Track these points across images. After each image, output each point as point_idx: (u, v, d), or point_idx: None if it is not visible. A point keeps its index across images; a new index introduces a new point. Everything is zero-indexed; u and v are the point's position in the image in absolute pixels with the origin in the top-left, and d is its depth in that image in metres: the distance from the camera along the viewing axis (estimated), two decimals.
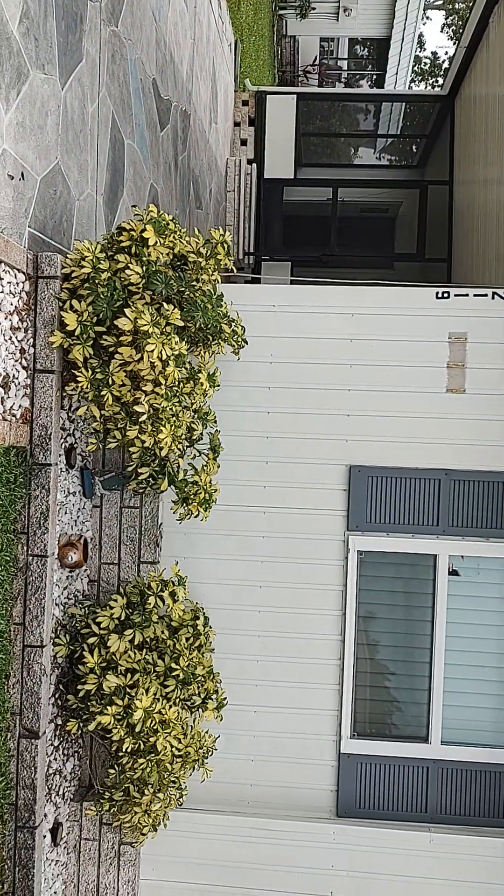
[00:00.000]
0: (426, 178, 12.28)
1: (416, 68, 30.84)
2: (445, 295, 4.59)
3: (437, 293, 4.59)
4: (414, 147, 13.45)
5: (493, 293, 4.57)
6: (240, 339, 4.35)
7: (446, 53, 32.49)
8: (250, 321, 4.57)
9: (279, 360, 4.68)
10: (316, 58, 19.92)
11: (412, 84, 30.55)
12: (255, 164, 10.66)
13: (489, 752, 4.61)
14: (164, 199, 6.56)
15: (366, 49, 26.11)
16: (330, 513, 4.68)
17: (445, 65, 31.04)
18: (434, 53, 32.36)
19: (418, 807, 4.65)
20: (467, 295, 4.59)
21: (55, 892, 4.37)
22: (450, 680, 4.66)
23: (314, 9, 17.90)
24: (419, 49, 30.39)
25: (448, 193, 10.87)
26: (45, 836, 4.09)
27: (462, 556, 4.65)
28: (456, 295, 4.59)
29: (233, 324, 4.25)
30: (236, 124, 10.96)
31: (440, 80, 31.15)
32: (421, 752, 4.65)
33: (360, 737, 4.69)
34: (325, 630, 4.68)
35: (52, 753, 4.14)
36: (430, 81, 32.37)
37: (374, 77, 23.13)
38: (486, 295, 4.57)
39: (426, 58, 32.30)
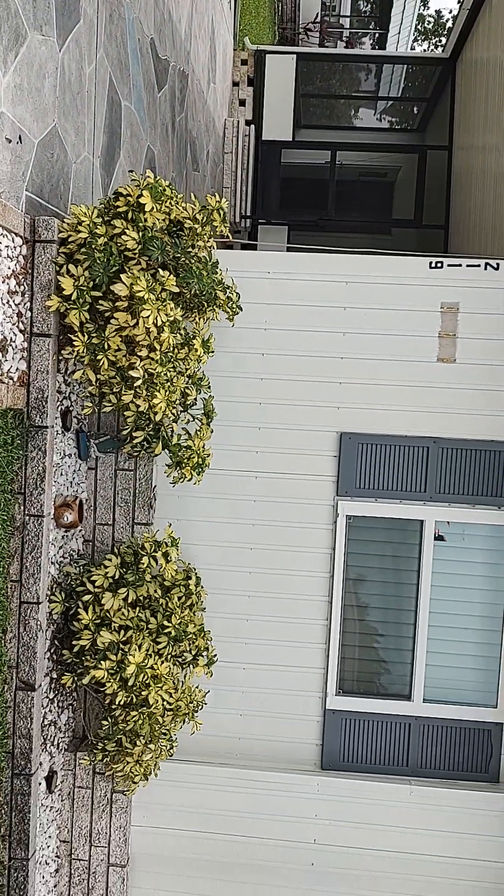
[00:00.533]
0: (426, 143, 12.17)
1: (419, 27, 30.23)
2: (439, 265, 4.63)
3: (431, 263, 4.64)
4: (415, 109, 13.29)
5: (486, 264, 4.62)
6: (234, 305, 4.40)
7: (450, 12, 31.82)
8: (245, 288, 4.62)
9: (273, 326, 4.74)
10: (317, 15, 19.49)
11: (415, 43, 29.98)
12: (253, 126, 10.54)
13: (468, 709, 4.79)
14: (160, 162, 6.53)
15: (368, 5, 25.57)
16: (320, 478, 4.78)
17: (449, 24, 30.43)
18: (438, 12, 31.64)
19: (400, 761, 4.84)
20: (460, 265, 4.63)
21: (49, 836, 4.56)
22: (433, 641, 4.82)
23: None
24: (423, 7, 29.74)
25: (447, 159, 10.79)
26: (40, 784, 4.26)
27: (448, 522, 4.77)
28: (449, 265, 4.64)
29: (228, 290, 4.30)
30: (235, 84, 10.82)
31: (443, 40, 30.54)
32: (403, 710, 4.83)
33: (345, 694, 4.85)
34: (314, 591, 4.81)
35: (47, 705, 4.29)
36: (434, 41, 31.74)
37: (377, 35, 22.69)
38: (479, 265, 4.62)
39: (430, 16, 31.62)
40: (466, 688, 4.85)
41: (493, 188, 8.47)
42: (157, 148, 6.39)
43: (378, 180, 13.16)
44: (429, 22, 31.18)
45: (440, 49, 30.57)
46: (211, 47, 8.80)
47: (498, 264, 4.60)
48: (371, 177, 13.10)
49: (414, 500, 4.75)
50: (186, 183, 7.80)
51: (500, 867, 4.68)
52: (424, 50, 32.11)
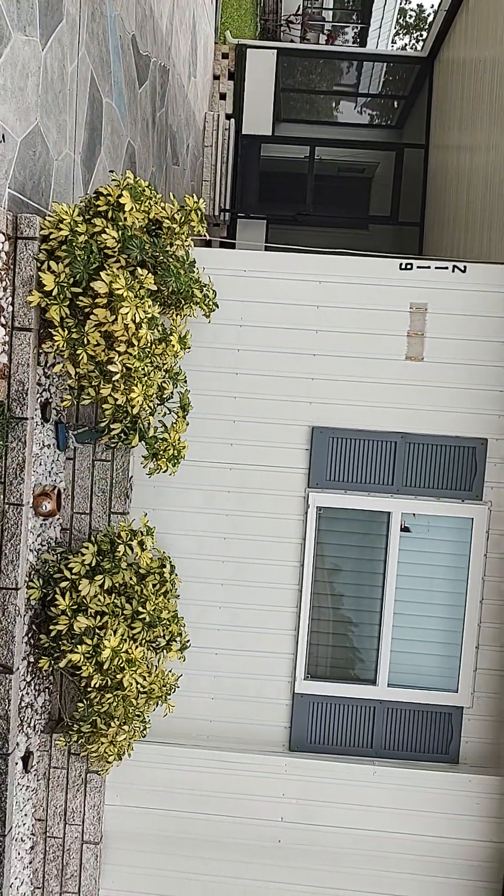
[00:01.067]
0: (403, 140, 12.36)
1: (400, 21, 30.32)
2: (408, 266, 4.80)
3: (401, 264, 4.80)
4: (395, 104, 13.44)
5: (454, 266, 4.80)
6: (211, 302, 4.53)
7: (432, 6, 31.96)
8: (222, 285, 4.76)
9: (248, 323, 4.89)
10: (299, 7, 19.55)
11: (396, 37, 30.08)
12: (233, 120, 10.64)
13: (431, 694, 5.00)
14: (140, 157, 6.63)
15: None
16: (292, 470, 4.95)
17: (430, 18, 30.59)
18: (420, 6, 31.77)
19: (365, 743, 5.04)
20: (429, 267, 4.81)
21: (26, 815, 4.71)
22: (398, 628, 5.02)
23: None
24: (404, 1, 29.81)
25: (423, 157, 10.97)
26: (17, 763, 4.40)
27: (414, 514, 4.97)
28: (418, 267, 4.81)
29: (204, 289, 4.43)
30: (216, 77, 10.89)
31: (424, 34, 30.68)
32: (369, 694, 5.03)
33: (313, 678, 5.04)
34: (284, 580, 4.99)
35: (24, 688, 4.43)
36: (415, 35, 31.86)
37: (358, 29, 22.77)
38: (447, 268, 4.80)
39: (411, 10, 31.73)
40: (429, 673, 5.06)
41: (466, 187, 8.66)
42: (138, 143, 6.48)
43: (356, 176, 13.32)
44: (410, 16, 31.29)
45: (421, 43, 30.70)
46: (192, 42, 8.87)
47: (465, 267, 4.78)
48: (349, 172, 13.25)
49: (382, 492, 4.94)
50: (166, 177, 7.89)
51: (458, 843, 4.91)
52: (406, 44, 32.23)
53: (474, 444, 4.86)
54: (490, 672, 4.96)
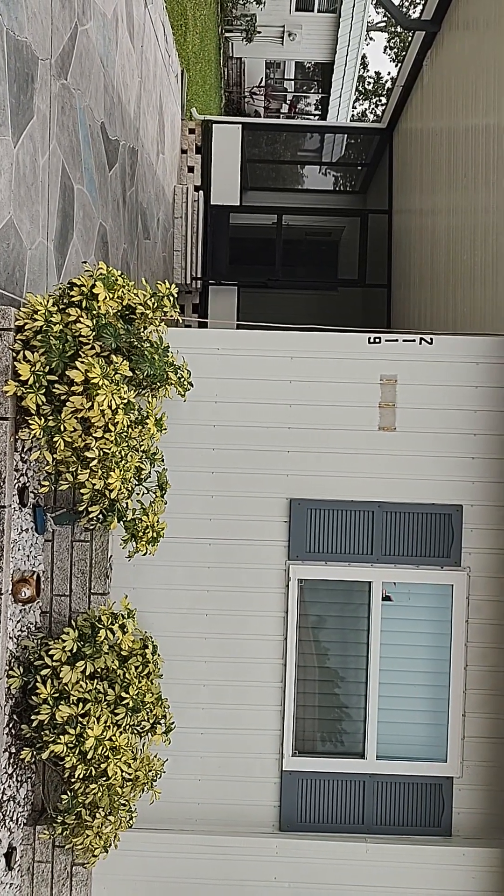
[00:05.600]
0: (367, 206, 12.76)
1: (360, 87, 31.60)
2: (377, 340, 4.93)
3: (370, 338, 4.93)
4: (358, 168, 13.92)
5: (421, 339, 4.94)
6: (186, 382, 4.60)
7: (388, 73, 33.37)
8: (196, 363, 4.84)
9: (223, 399, 4.96)
10: (262, 79, 20.34)
11: (356, 103, 31.29)
12: (201, 191, 10.94)
13: (419, 764, 4.95)
14: (112, 236, 6.78)
15: (311, 68, 26.70)
16: (272, 543, 4.97)
17: (388, 84, 31.89)
18: (377, 73, 33.17)
19: (356, 818, 4.96)
20: (397, 340, 4.94)
21: None
22: (384, 698, 4.99)
23: (259, 32, 18.32)
24: (362, 70, 31.13)
25: (387, 222, 11.34)
26: (0, 861, 4.27)
27: (394, 583, 4.99)
28: (387, 340, 4.94)
29: (179, 370, 4.51)
30: (183, 151, 11.24)
31: (384, 100, 31.97)
32: (358, 768, 4.96)
33: (300, 754, 4.98)
34: (268, 654, 4.96)
35: (6, 781, 4.32)
36: (374, 100, 33.18)
37: (319, 98, 23.68)
38: (414, 340, 4.93)
39: (370, 77, 33.11)
40: (417, 743, 5.02)
41: (430, 250, 8.95)
42: (109, 223, 6.64)
43: (323, 240, 13.69)
44: (369, 83, 32.63)
45: (381, 108, 31.93)
46: (160, 121, 9.18)
47: (431, 339, 4.92)
48: (317, 236, 13.63)
49: (362, 562, 4.96)
50: (138, 252, 8.07)
51: None
52: (366, 109, 33.51)
53: (450, 511, 4.92)
54: (478, 740, 4.93)
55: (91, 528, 4.58)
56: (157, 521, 4.34)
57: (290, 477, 4.97)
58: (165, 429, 4.45)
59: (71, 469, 4.06)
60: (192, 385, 4.70)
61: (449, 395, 4.92)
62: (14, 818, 4.49)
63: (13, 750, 4.35)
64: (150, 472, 4.43)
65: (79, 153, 5.58)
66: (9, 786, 4.37)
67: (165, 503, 4.52)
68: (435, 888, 4.81)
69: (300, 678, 4.98)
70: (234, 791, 4.94)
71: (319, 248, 13.64)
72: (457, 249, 7.50)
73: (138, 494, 4.49)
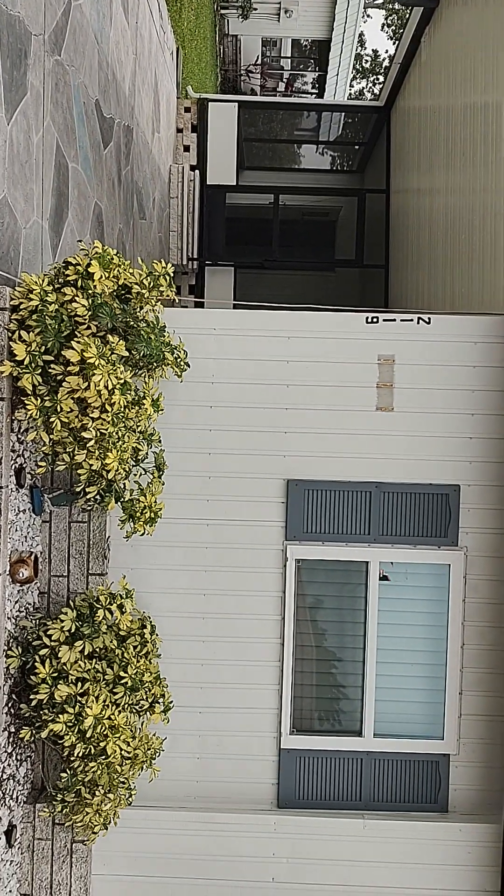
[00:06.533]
0: (364, 186, 12.67)
1: (357, 66, 31.25)
2: (374, 320, 4.91)
3: (367, 318, 4.91)
4: (356, 147, 13.80)
5: (419, 318, 4.91)
6: (182, 363, 4.58)
7: (386, 52, 33.00)
8: (193, 344, 4.81)
9: (220, 380, 4.94)
10: (258, 57, 20.11)
11: (354, 82, 30.96)
12: (197, 171, 10.84)
13: (417, 742, 4.99)
14: (108, 215, 6.73)
15: (308, 46, 26.39)
16: (269, 524, 4.97)
17: (386, 63, 31.55)
18: (375, 51, 32.82)
19: (353, 796, 5.00)
20: (395, 320, 4.92)
21: (10, 891, 4.59)
22: (381, 677, 5.02)
23: (255, 9, 18.08)
24: (360, 48, 30.78)
25: (385, 201, 11.26)
26: (0, 839, 4.30)
27: (391, 563, 5.00)
28: (384, 320, 4.92)
29: (175, 350, 4.49)
30: (179, 130, 11.12)
31: (381, 78, 31.64)
32: (355, 745, 5.00)
33: (298, 733, 5.01)
34: (266, 634, 4.98)
35: (6, 759, 4.35)
36: (371, 79, 32.84)
37: (316, 76, 23.43)
38: (411, 320, 4.91)
39: (367, 56, 32.75)
40: (414, 721, 5.06)
41: (427, 229, 8.89)
42: (104, 202, 6.58)
43: (321, 220, 13.60)
44: (366, 61, 32.27)
45: (378, 87, 31.61)
46: (155, 99, 9.07)
47: (429, 318, 4.90)
48: (314, 216, 13.54)
49: (359, 542, 4.97)
50: (134, 232, 8.00)
51: (451, 894, 4.86)
52: (363, 87, 33.17)
53: (447, 491, 4.93)
54: (475, 718, 4.97)
55: (88, 508, 4.57)
56: (155, 502, 4.34)
57: (287, 457, 4.96)
58: (162, 409, 4.43)
59: (68, 450, 4.04)
60: (188, 365, 4.67)
61: (447, 374, 4.90)
62: (14, 796, 4.52)
63: (12, 729, 4.37)
64: (147, 453, 4.42)
65: (73, 131, 5.52)
66: (8, 764, 4.39)
67: (163, 484, 4.51)
68: (431, 863, 4.86)
69: (298, 657, 5.01)
70: (233, 769, 4.98)
71: (316, 229, 13.55)
72: (455, 229, 7.45)
73: (136, 475, 4.48)
